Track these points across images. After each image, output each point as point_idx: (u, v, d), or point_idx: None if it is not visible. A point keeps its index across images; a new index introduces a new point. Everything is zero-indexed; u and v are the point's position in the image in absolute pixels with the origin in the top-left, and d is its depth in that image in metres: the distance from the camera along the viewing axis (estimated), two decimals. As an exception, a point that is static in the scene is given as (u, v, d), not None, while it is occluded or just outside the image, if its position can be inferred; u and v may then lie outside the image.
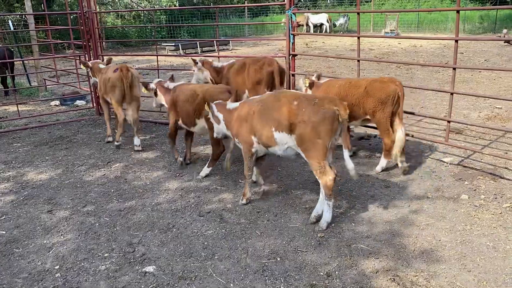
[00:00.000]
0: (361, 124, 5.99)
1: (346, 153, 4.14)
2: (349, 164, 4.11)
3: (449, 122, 5.63)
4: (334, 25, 32.30)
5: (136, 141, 6.84)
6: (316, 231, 4.22)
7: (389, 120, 5.38)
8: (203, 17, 34.90)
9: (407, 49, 19.67)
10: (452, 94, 5.50)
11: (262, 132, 4.39)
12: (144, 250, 4.03)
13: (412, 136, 6.57)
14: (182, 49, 21.30)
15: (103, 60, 8.41)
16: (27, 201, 5.20)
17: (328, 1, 37.00)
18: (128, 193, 5.31)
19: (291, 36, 6.84)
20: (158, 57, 8.85)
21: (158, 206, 4.90)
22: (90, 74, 7.79)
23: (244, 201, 4.84)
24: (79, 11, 8.52)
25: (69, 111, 9.42)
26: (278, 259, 3.81)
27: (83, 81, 10.67)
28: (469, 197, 4.81)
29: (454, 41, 5.39)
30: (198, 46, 22.01)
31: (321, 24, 31.54)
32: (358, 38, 6.45)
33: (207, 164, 5.69)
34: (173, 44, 21.37)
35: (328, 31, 31.16)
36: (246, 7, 34.85)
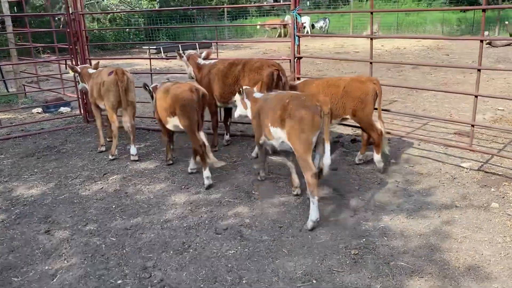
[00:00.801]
0: (339, 123, 6.12)
1: (327, 147, 4.18)
2: (327, 159, 4.19)
3: (473, 126, 5.38)
4: (313, 27, 32.26)
5: (133, 150, 6.38)
6: (348, 247, 3.88)
7: (371, 117, 5.48)
8: (182, 20, 34.38)
9: (392, 51, 19.64)
10: (476, 96, 5.27)
11: (264, 126, 4.73)
12: (161, 275, 3.61)
13: (388, 133, 6.40)
14: (164, 52, 20.74)
15: (91, 65, 7.95)
16: (20, 220, 4.70)
17: (307, 4, 36.95)
18: (131, 208, 4.87)
19: (297, 37, 6.50)
20: (138, 60, 8.38)
21: (168, 223, 4.48)
22: (78, 79, 7.26)
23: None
24: (66, 13, 7.99)
25: (54, 119, 8.84)
26: (314, 281, 3.45)
27: (68, 87, 10.08)
28: (499, 205, 4.57)
29: (479, 41, 5.22)
30: (180, 49, 21.45)
31: (304, 27, 31.45)
32: (371, 39, 6.16)
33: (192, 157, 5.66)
34: (155, 47, 20.80)
35: (309, 33, 31.11)
36: (225, 9, 34.53)
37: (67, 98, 9.93)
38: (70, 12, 7.94)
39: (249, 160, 6.16)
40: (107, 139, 7.08)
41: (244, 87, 5.22)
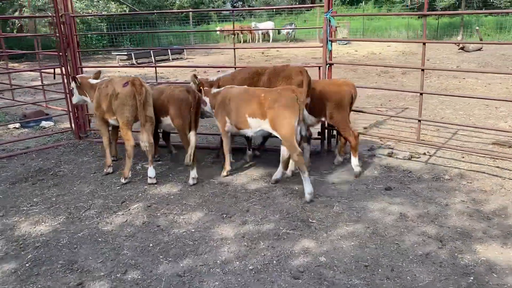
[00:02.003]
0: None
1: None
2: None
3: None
4: (278, 33, 31.99)
5: (151, 172, 5.56)
6: (463, 290, 3.28)
7: (348, 120, 5.58)
8: (145, 25, 33.13)
9: (370, 57, 19.53)
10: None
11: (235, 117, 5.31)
12: None
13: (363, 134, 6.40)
14: (135, 59, 19.64)
15: (82, 73, 7.02)
16: (38, 269, 3.79)
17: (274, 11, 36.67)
18: (174, 247, 4.06)
19: (329, 42, 5.89)
20: (108, 68, 7.50)
21: (228, 266, 3.72)
22: (75, 91, 6.29)
23: None
24: (54, 15, 7.01)
25: (39, 136, 7.76)
26: None
27: (59, 99, 8.97)
28: None
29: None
30: (152, 55, 20.42)
31: (267, 32, 31.15)
32: (424, 44, 5.66)
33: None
34: (125, 53, 19.65)
35: (271, 40, 30.89)
36: (190, 13, 33.64)
37: (49, 112, 8.84)
38: (60, 14, 6.95)
39: (286, 179, 5.48)
40: (112, 158, 6.17)
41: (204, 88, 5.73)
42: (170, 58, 21.46)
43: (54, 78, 7.57)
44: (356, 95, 5.66)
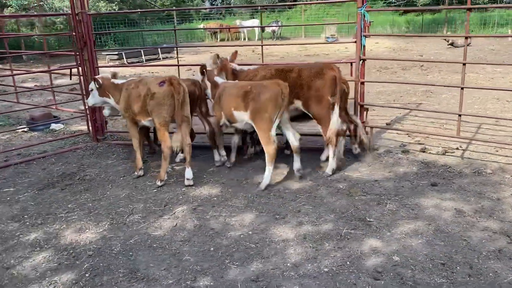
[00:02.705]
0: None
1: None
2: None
3: None
4: (263, 30, 31.85)
5: (189, 173, 5.39)
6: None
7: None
8: (129, 24, 32.57)
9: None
10: None
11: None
12: None
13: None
14: (126, 58, 19.24)
15: (99, 74, 6.78)
16: (100, 279, 3.59)
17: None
18: (237, 250, 3.93)
19: (363, 38, 5.82)
20: (100, 68, 7.19)
21: (301, 269, 3.60)
22: (94, 92, 6.02)
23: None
24: (71, 13, 6.73)
25: (55, 140, 7.45)
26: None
27: (74, 101, 8.66)
28: None
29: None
30: (143, 55, 20.07)
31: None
32: (466, 38, 5.67)
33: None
34: (116, 53, 19.22)
35: (256, 37, 30.79)
36: (175, 12, 33.29)
37: (62, 114, 8.53)
38: (76, 12, 6.68)
39: (327, 178, 5.39)
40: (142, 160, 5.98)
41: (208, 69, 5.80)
42: (161, 57, 21.13)
43: (71, 78, 7.28)
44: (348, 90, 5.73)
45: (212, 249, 3.97)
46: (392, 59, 15.14)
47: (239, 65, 6.32)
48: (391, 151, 6.21)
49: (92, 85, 5.92)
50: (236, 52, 6.40)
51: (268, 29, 31.77)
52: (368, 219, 4.35)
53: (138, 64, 18.31)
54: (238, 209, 4.72)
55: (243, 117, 5.20)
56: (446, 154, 5.99)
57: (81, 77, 6.95)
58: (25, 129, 8.18)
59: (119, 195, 5.22)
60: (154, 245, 4.08)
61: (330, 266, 3.61)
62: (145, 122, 5.48)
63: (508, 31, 23.83)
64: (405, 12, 31.50)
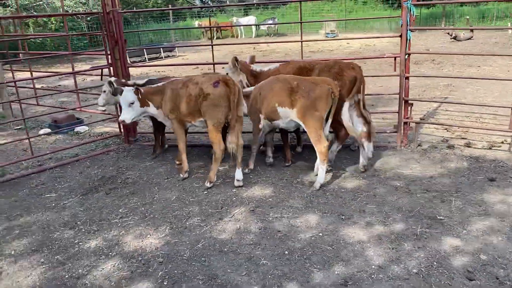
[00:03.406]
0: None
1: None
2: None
3: None
4: (257, 28, 31.68)
5: (239, 174, 5.25)
6: None
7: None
8: (126, 23, 32.18)
9: (366, 48, 19.52)
10: None
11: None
12: None
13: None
14: (129, 58, 18.93)
15: (129, 74, 6.61)
16: (178, 287, 3.45)
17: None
18: (312, 253, 3.81)
19: (409, 32, 5.72)
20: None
21: (388, 271, 3.50)
22: (135, 105, 5.78)
23: None
24: (102, 12, 6.54)
25: (87, 143, 7.23)
26: None
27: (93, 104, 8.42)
28: None
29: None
30: (145, 54, 19.83)
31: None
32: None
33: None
34: (119, 52, 18.87)
35: (253, 35, 30.69)
36: (170, 11, 32.94)
37: (88, 116, 8.31)
38: (107, 10, 6.49)
39: (382, 177, 5.29)
40: (176, 163, 5.86)
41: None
42: (163, 56, 20.89)
43: (101, 79, 7.08)
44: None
45: (286, 252, 3.84)
46: (436, 53, 15.07)
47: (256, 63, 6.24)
48: (435, 146, 6.13)
49: (129, 97, 5.35)
50: (253, 56, 6.25)
51: (263, 26, 31.57)
52: (439, 217, 4.25)
53: (156, 63, 18.06)
54: (298, 210, 4.60)
55: (288, 114, 5.05)
56: (493, 148, 5.91)
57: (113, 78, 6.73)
58: (47, 132, 7.93)
59: (170, 198, 5.07)
60: (225, 249, 3.94)
61: (418, 267, 3.50)
62: (195, 123, 5.33)
63: (508, 24, 23.92)
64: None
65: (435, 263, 3.54)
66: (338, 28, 28.24)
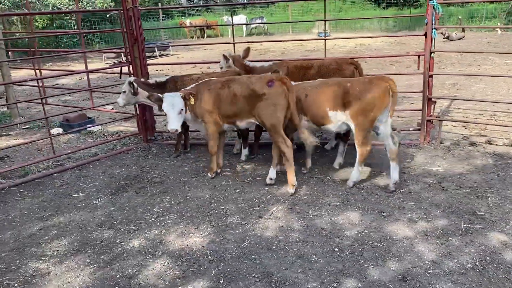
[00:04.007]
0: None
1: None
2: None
3: None
4: (248, 27, 31.60)
5: (272, 173, 5.24)
6: None
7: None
8: (113, 21, 31.80)
9: (362, 48, 19.67)
10: None
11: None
12: None
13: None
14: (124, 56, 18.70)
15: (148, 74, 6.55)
16: (236, 285, 3.45)
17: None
18: (364, 250, 3.83)
19: (434, 31, 5.79)
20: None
21: (443, 266, 3.54)
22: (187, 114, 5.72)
23: None
24: (121, 8, 6.46)
25: (104, 143, 7.11)
26: None
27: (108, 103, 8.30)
28: None
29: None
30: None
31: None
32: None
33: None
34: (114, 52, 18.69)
35: (244, 34, 30.66)
36: (160, 10, 32.67)
37: (89, 114, 8.20)
38: (127, 7, 6.42)
39: (411, 173, 5.34)
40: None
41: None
42: (157, 55, 20.74)
43: (120, 77, 7.00)
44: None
45: (336, 249, 3.85)
46: (462, 52, 15.39)
47: (251, 61, 6.29)
48: (457, 143, 6.21)
49: (179, 104, 5.00)
50: (248, 48, 6.32)
51: (252, 26, 31.46)
52: (479, 213, 4.32)
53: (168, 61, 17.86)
54: (337, 207, 4.61)
55: (340, 118, 4.85)
56: (514, 145, 6.02)
57: (132, 76, 6.66)
58: (60, 131, 7.80)
59: (203, 197, 5.04)
60: (273, 247, 3.94)
61: (472, 262, 3.55)
62: (241, 124, 5.21)
63: (497, 23, 24.38)
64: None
65: (487, 258, 3.59)
66: (330, 27, 28.38)
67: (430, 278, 3.38)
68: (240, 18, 31.83)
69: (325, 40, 6.67)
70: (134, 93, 6.06)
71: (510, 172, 5.23)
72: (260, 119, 4.94)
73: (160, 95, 5.03)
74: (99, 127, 8.00)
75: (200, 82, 5.39)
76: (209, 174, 5.56)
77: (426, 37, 5.87)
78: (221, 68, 6.40)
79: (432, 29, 5.77)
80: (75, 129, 7.77)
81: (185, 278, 3.56)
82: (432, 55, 5.95)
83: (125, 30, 6.53)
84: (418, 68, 6.06)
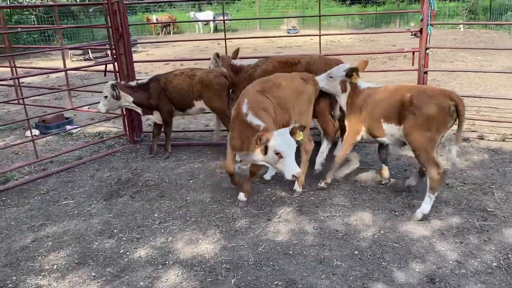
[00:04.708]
0: None
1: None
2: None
3: None
4: (213, 23, 31.22)
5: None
6: None
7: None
8: (75, 17, 30.74)
9: (333, 45, 19.77)
10: None
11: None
12: None
13: None
14: (91, 53, 18.08)
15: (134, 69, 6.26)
16: None
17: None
18: (384, 251, 3.74)
19: (429, 27, 5.79)
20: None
21: (468, 266, 3.49)
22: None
23: None
24: (105, 2, 6.11)
25: (87, 145, 6.71)
26: None
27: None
28: None
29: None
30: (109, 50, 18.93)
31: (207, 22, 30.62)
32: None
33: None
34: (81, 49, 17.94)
35: (211, 30, 30.35)
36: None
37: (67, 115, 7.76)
38: (112, 1, 6.08)
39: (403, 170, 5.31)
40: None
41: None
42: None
43: (105, 75, 6.62)
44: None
45: (356, 252, 3.74)
46: (456, 48, 15.56)
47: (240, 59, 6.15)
48: (451, 139, 6.22)
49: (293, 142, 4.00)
50: (238, 49, 6.16)
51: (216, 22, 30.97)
52: (490, 210, 4.31)
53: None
54: (347, 208, 4.51)
55: (393, 132, 4.34)
56: (506, 140, 6.11)
57: (117, 74, 6.33)
58: (37, 134, 7.34)
59: (204, 200, 4.82)
60: (290, 252, 3.78)
61: (496, 261, 3.52)
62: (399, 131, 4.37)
63: (460, 20, 25.13)
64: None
65: (510, 255, 3.56)
66: (298, 24, 28.45)
67: (459, 279, 3.32)
68: (207, 14, 31.41)
69: (319, 36, 6.49)
70: (117, 97, 5.72)
71: (509, 167, 5.28)
72: (411, 137, 4.23)
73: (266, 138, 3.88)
74: (78, 128, 7.56)
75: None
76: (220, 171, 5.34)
77: (421, 33, 5.83)
78: (209, 67, 6.18)
79: (428, 25, 5.74)
80: (53, 130, 7.31)
81: (205, 288, 3.34)
82: (427, 51, 5.91)
83: (109, 25, 6.15)
84: (413, 65, 6.02)
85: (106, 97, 5.78)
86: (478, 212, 4.26)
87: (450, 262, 3.53)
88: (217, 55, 5.94)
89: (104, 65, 6.58)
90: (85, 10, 33.58)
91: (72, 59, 18.22)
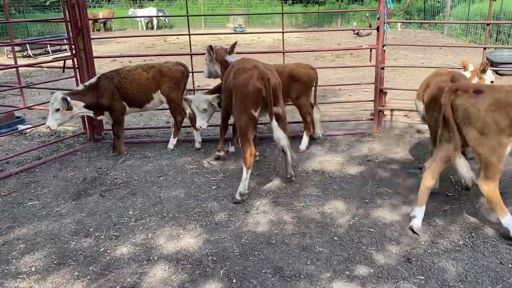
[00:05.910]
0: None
1: None
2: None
3: None
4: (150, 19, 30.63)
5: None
6: None
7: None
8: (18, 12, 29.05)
9: (281, 43, 20.02)
10: None
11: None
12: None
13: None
14: (31, 50, 17.20)
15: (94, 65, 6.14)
16: (250, 283, 3.36)
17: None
18: (362, 236, 3.94)
19: (386, 25, 6.12)
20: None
21: (440, 246, 3.76)
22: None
23: None
24: (64, -4, 5.90)
25: (45, 145, 6.43)
26: None
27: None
28: None
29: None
30: (49, 46, 18.13)
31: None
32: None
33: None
34: (19, 45, 17.00)
35: (154, 27, 29.86)
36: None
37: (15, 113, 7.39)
38: (70, -5, 5.88)
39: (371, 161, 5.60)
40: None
41: None
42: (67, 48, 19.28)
43: (63, 72, 6.37)
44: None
45: (335, 238, 3.92)
46: (413, 45, 15.90)
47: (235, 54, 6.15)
48: (406, 131, 6.64)
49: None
50: (235, 43, 6.15)
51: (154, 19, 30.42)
52: (450, 194, 4.64)
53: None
54: (320, 198, 4.69)
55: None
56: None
57: (77, 70, 6.12)
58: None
59: (179, 196, 4.82)
60: (273, 241, 3.89)
61: (463, 240, 3.82)
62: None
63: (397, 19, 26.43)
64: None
65: (473, 234, 3.89)
66: (244, 22, 28.60)
67: (432, 257, 3.57)
68: (150, 11, 30.75)
69: (283, 33, 6.64)
70: (69, 107, 5.41)
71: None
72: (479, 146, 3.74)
73: None
74: (29, 126, 7.21)
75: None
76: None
77: (378, 31, 6.14)
78: (206, 60, 5.88)
79: (384, 23, 6.05)
80: (3, 130, 6.93)
81: (194, 281, 3.38)
82: (384, 48, 6.23)
83: (68, 19, 5.94)
84: (370, 61, 6.32)
85: (58, 110, 5.32)
86: (442, 197, 4.58)
87: (422, 242, 3.79)
88: (211, 47, 5.66)
89: (62, 61, 6.31)
90: (16, 4, 31.81)
91: (8, 56, 17.23)
